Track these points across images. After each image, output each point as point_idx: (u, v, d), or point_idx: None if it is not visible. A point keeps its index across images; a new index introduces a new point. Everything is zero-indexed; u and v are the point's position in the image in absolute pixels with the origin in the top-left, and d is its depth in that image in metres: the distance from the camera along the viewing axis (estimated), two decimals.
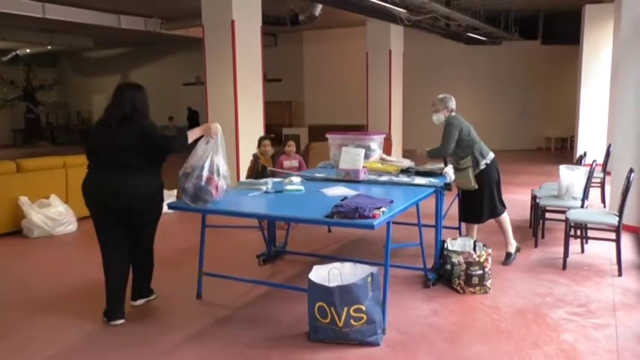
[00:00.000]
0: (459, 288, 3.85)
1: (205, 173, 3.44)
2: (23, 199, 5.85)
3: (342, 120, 14.32)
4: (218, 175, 3.47)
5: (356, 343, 3.04)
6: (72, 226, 6.06)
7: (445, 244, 4.07)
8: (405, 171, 4.67)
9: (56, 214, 5.91)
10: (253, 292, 3.97)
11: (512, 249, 4.57)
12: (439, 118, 4.48)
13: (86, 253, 5.34)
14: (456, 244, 4.10)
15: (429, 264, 4.16)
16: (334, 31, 14.80)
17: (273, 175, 4.64)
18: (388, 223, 3.22)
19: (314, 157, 8.11)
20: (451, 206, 4.94)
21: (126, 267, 3.56)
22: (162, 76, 19.10)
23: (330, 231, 5.70)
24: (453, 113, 4.47)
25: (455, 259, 3.85)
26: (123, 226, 3.46)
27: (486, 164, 4.39)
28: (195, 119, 17.77)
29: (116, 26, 11.97)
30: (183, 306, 3.77)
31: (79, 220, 6.19)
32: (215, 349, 3.09)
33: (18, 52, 17.98)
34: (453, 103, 4.48)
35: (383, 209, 3.13)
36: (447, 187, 4.05)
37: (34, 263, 4.98)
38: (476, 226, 4.64)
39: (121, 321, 3.43)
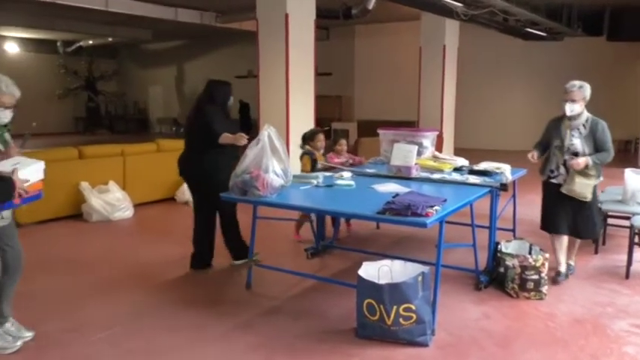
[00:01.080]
0: (512, 292, 3.72)
1: (252, 170, 3.51)
2: (84, 185, 6.11)
3: (392, 116, 14.16)
4: (267, 172, 3.51)
5: (404, 342, 3.00)
6: (129, 211, 6.28)
7: (499, 246, 3.94)
8: (458, 169, 4.56)
9: (114, 200, 6.15)
10: (301, 285, 3.98)
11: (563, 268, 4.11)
12: (573, 109, 3.88)
13: (141, 238, 5.54)
14: (511, 246, 3.97)
15: (481, 266, 4.04)
16: (387, 25, 14.62)
17: (325, 169, 4.63)
18: (441, 222, 3.14)
19: (363, 152, 8.06)
20: (506, 207, 4.78)
21: (203, 227, 4.27)
22: (214, 69, 19.47)
23: (378, 227, 5.65)
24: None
25: (509, 262, 3.72)
26: (195, 194, 4.33)
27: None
28: (246, 112, 18.04)
29: (173, 19, 12.30)
30: (234, 295, 3.84)
31: (136, 206, 6.42)
32: (264, 339, 3.12)
33: (82, 43, 18.80)
34: (589, 93, 3.99)
35: (436, 208, 3.06)
36: (503, 187, 3.91)
37: (92, 246, 5.20)
38: (578, 242, 4.18)
39: (204, 270, 4.29)
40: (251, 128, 17.65)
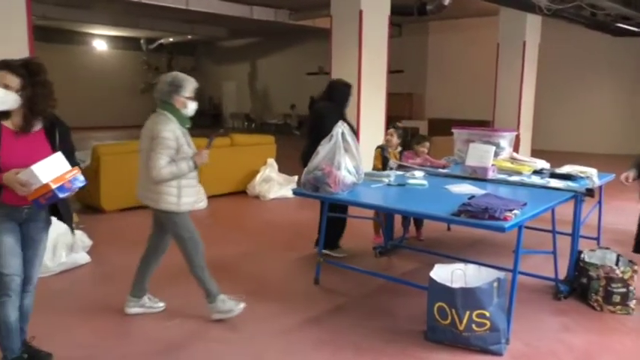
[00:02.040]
0: (595, 304, 3.49)
1: (324, 166, 3.52)
2: None
3: (465, 114, 13.74)
4: (339, 168, 3.51)
5: (477, 349, 2.90)
6: (203, 203, 6.52)
7: (582, 255, 3.71)
8: (538, 172, 4.34)
9: None
10: (369, 284, 3.96)
11: None
12: None
13: (215, 229, 5.73)
14: (594, 256, 3.73)
15: (561, 275, 3.82)
16: (463, 21, 14.19)
17: (400, 168, 4.55)
18: (520, 227, 3.00)
19: (434, 151, 7.85)
20: (590, 214, 4.49)
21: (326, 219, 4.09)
22: (286, 66, 19.82)
23: (449, 229, 5.50)
24: None
25: (593, 272, 3.50)
26: None
27: None
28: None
29: (248, 17, 12.61)
30: (302, 290, 3.88)
31: (209, 198, 6.65)
32: (330, 335, 3.13)
33: (162, 41, 19.76)
34: None
35: (515, 211, 2.93)
36: (589, 192, 3.67)
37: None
38: None
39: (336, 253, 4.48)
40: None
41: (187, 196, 3.13)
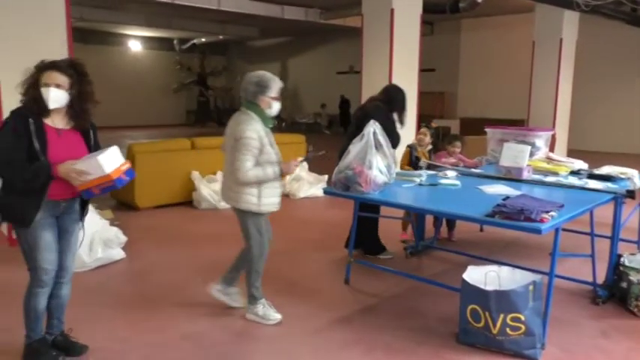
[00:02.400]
0: (635, 310, 3.37)
1: (355, 166, 3.50)
2: (195, 174, 6.51)
3: (497, 114, 13.49)
4: (370, 168, 3.49)
5: (510, 353, 2.84)
6: None
7: (621, 259, 3.59)
8: (575, 173, 4.22)
9: None
10: (400, 284, 3.92)
11: None
12: None
13: None
14: (635, 260, 3.59)
15: (599, 279, 3.70)
16: (496, 18, 13.93)
17: (428, 167, 4.50)
18: (557, 229, 2.92)
19: (466, 151, 7.74)
20: (630, 217, 4.34)
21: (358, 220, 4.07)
22: (317, 65, 19.86)
23: (482, 230, 5.41)
24: None
25: (634, 277, 3.38)
26: None
27: None
28: (346, 108, 18.17)
29: (280, 17, 12.68)
30: (332, 289, 3.87)
31: None
32: (361, 336, 3.12)
33: (195, 41, 20.07)
34: None
35: (552, 213, 2.86)
36: (630, 194, 3.54)
37: (200, 231, 5.52)
38: None
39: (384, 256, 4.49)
40: (349, 123, 17.78)
41: (268, 197, 3.11)
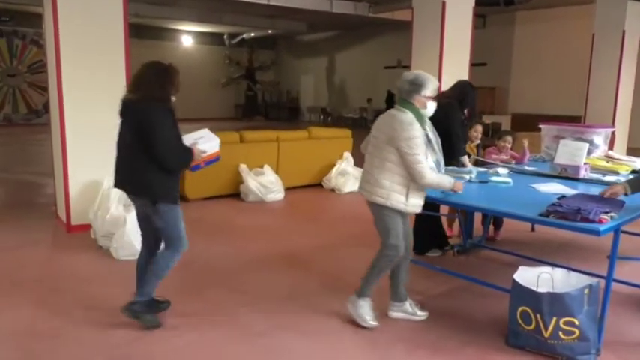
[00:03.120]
0: None
1: None
2: (243, 167, 6.62)
3: (552, 110, 12.99)
4: None
5: (562, 358, 2.73)
6: (280, 194, 6.66)
7: None
8: (636, 172, 4.01)
9: (268, 183, 6.56)
10: (446, 283, 3.85)
11: None
12: None
13: (290, 220, 5.83)
14: None
15: None
16: (553, 10, 13.39)
17: (478, 164, 4.39)
18: (616, 231, 2.79)
19: (518, 148, 7.51)
20: None
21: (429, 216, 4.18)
22: (364, 59, 19.73)
23: (533, 230, 5.23)
24: None
25: None
26: None
27: None
28: (393, 102, 17.95)
29: (328, 10, 12.66)
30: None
31: (286, 189, 6.78)
32: (407, 333, 3.08)
33: (244, 35, 20.37)
34: None
35: (612, 214, 2.72)
36: None
37: (247, 223, 5.61)
38: None
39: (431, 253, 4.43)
40: None
41: (416, 197, 3.04)
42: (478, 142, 4.73)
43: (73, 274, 4.02)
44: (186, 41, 21.33)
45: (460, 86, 4.36)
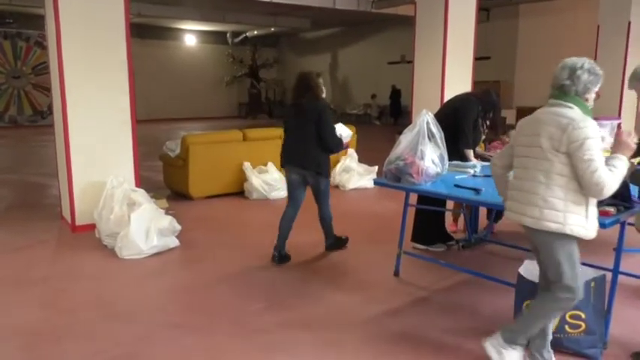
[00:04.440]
0: None
1: (407, 157, 3.43)
2: (247, 165, 6.61)
3: None
4: (422, 158, 3.41)
5: (570, 352, 2.71)
6: (284, 192, 6.61)
7: None
8: None
9: (272, 180, 6.55)
10: (451, 278, 3.83)
11: None
12: None
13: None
14: None
15: None
16: (557, 2, 13.27)
17: (482, 158, 4.36)
18: (622, 223, 2.76)
19: None
20: None
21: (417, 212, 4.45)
22: (368, 55, 19.67)
23: None
24: None
25: None
26: None
27: None
28: (397, 98, 17.94)
29: (331, 7, 12.62)
30: (382, 281, 3.83)
31: None
32: (412, 329, 3.07)
33: (247, 34, 20.35)
34: None
35: (618, 206, 2.69)
36: None
37: (252, 221, 5.61)
38: None
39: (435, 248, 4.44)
40: (400, 114, 17.56)
41: (594, 216, 2.36)
42: (483, 136, 4.70)
43: (78, 274, 4.03)
44: (190, 40, 21.35)
45: (487, 90, 4.47)
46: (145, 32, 18.15)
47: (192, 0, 14.23)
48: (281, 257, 4.17)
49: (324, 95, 4.05)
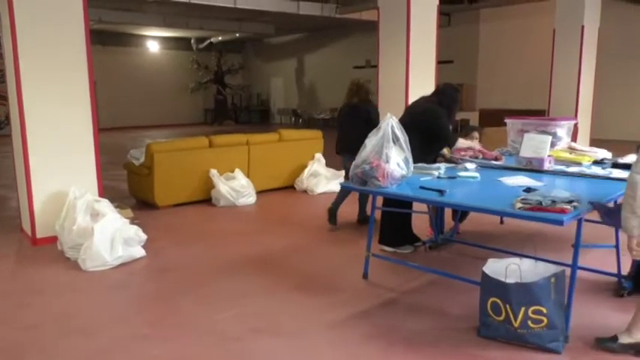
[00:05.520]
0: None
1: (372, 160, 3.47)
2: (213, 172, 6.54)
3: (518, 104, 13.28)
4: (387, 162, 3.45)
5: (533, 347, 2.79)
6: (252, 198, 6.62)
7: None
8: (599, 162, 4.13)
9: (239, 187, 6.51)
10: (419, 278, 3.89)
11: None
12: None
13: (263, 223, 5.80)
14: None
15: (624, 270, 3.62)
16: (516, 7, 13.67)
17: (448, 160, 4.45)
18: (579, 220, 2.86)
19: (486, 143, 7.62)
20: None
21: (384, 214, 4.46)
22: (333, 60, 19.79)
23: (502, 222, 5.33)
24: None
25: None
26: None
27: None
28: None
29: (295, 12, 12.68)
30: (350, 284, 3.85)
31: (258, 193, 6.74)
32: (379, 331, 3.10)
33: (212, 40, 20.18)
34: None
35: (575, 204, 2.79)
36: None
37: (219, 228, 5.55)
38: None
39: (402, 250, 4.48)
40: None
41: None
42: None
43: (39, 288, 3.91)
44: (153, 47, 21.02)
45: (439, 90, 4.59)
46: (106, 39, 17.78)
47: (154, 6, 14.02)
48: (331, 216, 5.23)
49: (371, 97, 5.21)
